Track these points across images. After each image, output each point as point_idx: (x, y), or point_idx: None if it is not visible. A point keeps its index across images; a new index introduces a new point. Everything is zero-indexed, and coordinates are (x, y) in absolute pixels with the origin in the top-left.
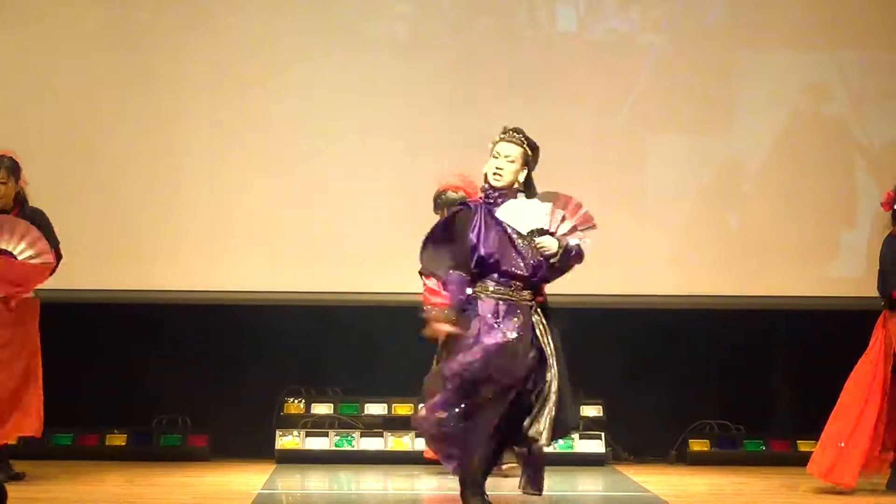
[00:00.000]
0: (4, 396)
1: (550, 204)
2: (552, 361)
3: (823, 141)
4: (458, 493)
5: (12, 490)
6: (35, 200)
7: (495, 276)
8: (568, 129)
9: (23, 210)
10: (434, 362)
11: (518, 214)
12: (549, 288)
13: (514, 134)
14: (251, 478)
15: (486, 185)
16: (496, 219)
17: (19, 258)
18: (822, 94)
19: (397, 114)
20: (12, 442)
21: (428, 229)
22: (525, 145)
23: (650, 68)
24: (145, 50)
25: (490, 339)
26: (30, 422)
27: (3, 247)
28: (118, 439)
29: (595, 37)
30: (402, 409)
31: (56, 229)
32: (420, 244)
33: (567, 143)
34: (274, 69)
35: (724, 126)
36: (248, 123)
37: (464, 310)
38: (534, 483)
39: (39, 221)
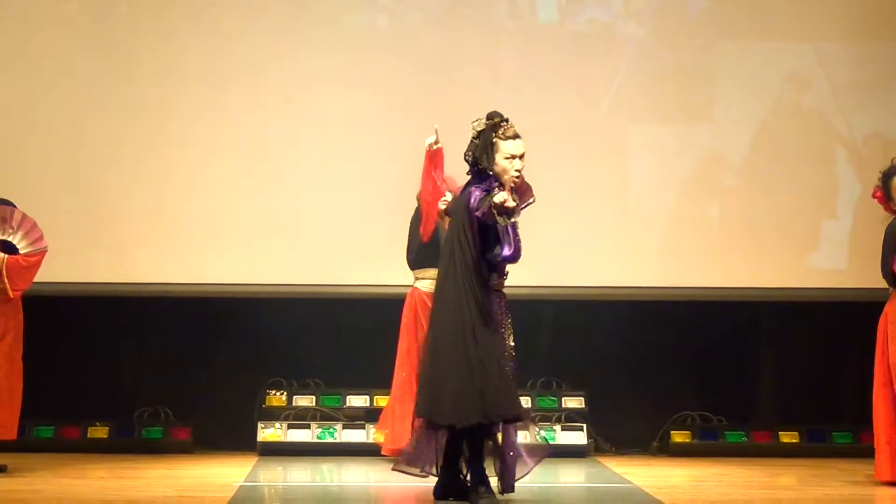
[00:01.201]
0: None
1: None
2: None
3: (805, 132)
4: (435, 485)
5: None
6: (17, 193)
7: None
8: (550, 120)
9: None
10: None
11: None
12: (531, 279)
13: (514, 127)
14: (233, 470)
15: (498, 184)
16: None
17: (21, 250)
18: (803, 85)
19: (378, 106)
20: None
21: (408, 222)
22: None
23: (632, 59)
24: (127, 42)
25: None
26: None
27: (6, 238)
28: (100, 432)
29: (576, 27)
30: (384, 401)
31: (38, 221)
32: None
33: (549, 134)
34: (256, 61)
35: (705, 117)
36: (230, 116)
37: None
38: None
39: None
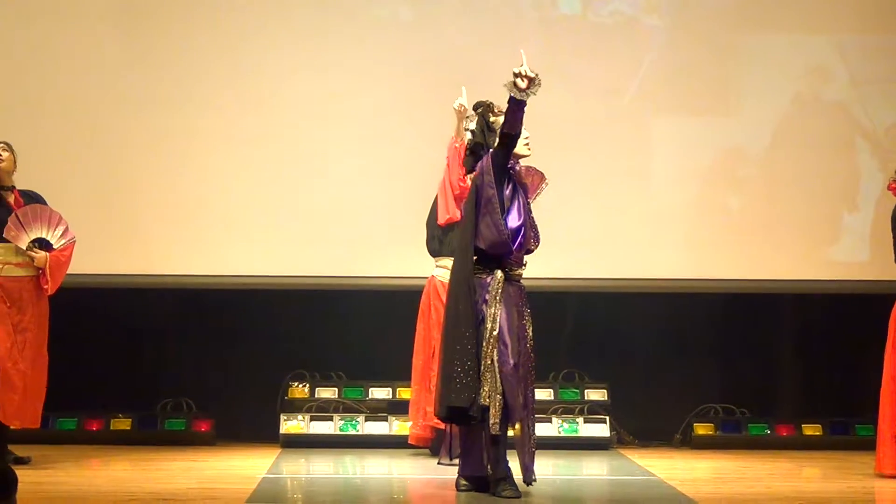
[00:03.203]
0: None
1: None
2: None
3: (826, 124)
4: (457, 476)
5: (18, 475)
6: (39, 185)
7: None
8: (571, 112)
9: (24, 192)
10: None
11: None
12: (553, 271)
13: None
14: (256, 462)
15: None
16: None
17: (55, 245)
18: (824, 77)
19: (399, 97)
20: (15, 427)
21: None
22: None
23: (654, 51)
24: (148, 34)
25: None
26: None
27: (41, 235)
28: (123, 424)
29: (599, 19)
30: (407, 394)
31: (62, 214)
32: None
33: (571, 126)
34: (277, 54)
35: (726, 109)
36: (251, 109)
37: None
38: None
39: (40, 201)
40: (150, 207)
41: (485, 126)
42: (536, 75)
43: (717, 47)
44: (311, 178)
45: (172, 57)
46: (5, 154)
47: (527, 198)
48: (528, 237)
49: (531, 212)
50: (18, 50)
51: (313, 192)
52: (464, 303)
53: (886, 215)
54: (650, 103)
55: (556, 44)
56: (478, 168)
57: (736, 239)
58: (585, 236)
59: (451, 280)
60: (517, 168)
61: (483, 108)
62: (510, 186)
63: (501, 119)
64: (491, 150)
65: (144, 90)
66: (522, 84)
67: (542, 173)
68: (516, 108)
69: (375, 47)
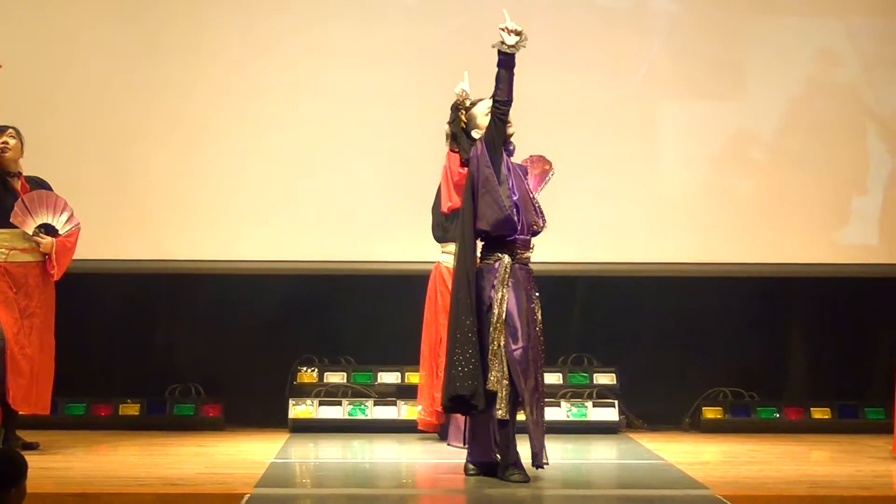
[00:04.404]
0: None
1: None
2: None
3: (835, 107)
4: (465, 461)
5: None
6: (47, 171)
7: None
8: (580, 95)
9: (30, 178)
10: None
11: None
12: (561, 255)
13: None
14: (264, 447)
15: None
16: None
17: (61, 231)
18: (834, 60)
19: (407, 80)
20: (24, 412)
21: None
22: None
23: (664, 34)
24: (156, 19)
25: None
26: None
27: (47, 221)
28: (131, 409)
29: (607, 2)
30: (415, 378)
31: (68, 200)
32: None
33: (579, 109)
34: (283, 37)
35: (736, 93)
36: (258, 93)
37: None
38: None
39: (46, 187)
40: (159, 193)
41: (466, 125)
42: (522, 30)
43: (727, 30)
44: (322, 162)
45: (180, 43)
46: (12, 141)
47: (525, 179)
48: (530, 215)
49: (532, 192)
50: (26, 36)
51: (324, 176)
52: (463, 292)
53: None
54: (659, 87)
55: (565, 27)
56: (472, 155)
57: (744, 222)
58: (594, 220)
59: (454, 269)
60: (512, 148)
61: (454, 109)
62: (505, 167)
63: (480, 106)
64: (482, 135)
65: (151, 77)
66: (510, 39)
67: (549, 161)
68: (507, 65)
69: (381, 30)
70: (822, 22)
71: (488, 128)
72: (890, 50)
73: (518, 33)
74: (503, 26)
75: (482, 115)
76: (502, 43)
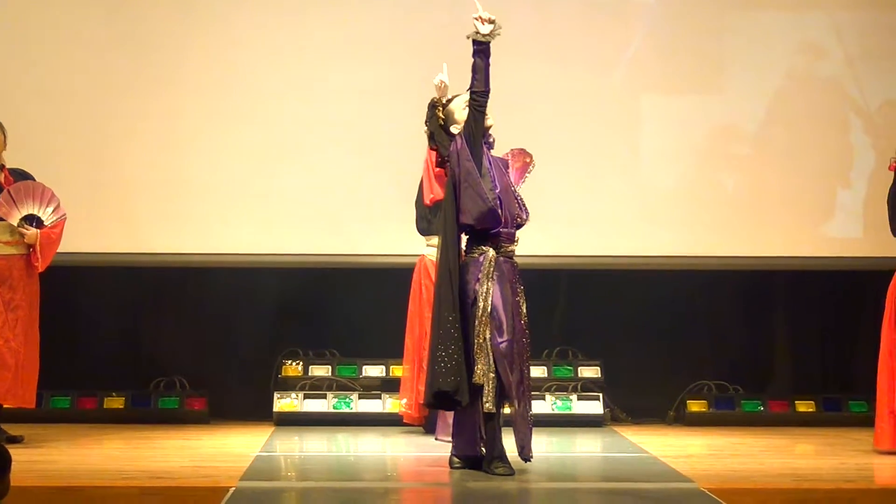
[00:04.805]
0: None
1: None
2: None
3: (819, 101)
4: (450, 455)
5: (11, 453)
6: (28, 163)
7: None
8: (562, 89)
9: (14, 171)
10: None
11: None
12: (545, 248)
13: None
14: (249, 440)
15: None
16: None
17: (46, 222)
18: (818, 53)
19: (391, 75)
20: (7, 405)
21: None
22: None
23: (646, 27)
24: (144, 12)
25: None
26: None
27: (32, 212)
28: (116, 402)
29: None
30: (400, 371)
31: (54, 191)
32: None
33: (561, 103)
34: (274, 31)
35: (719, 86)
36: (247, 87)
37: None
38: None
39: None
40: (142, 186)
41: (444, 121)
42: (495, 19)
43: (710, 23)
44: (303, 156)
45: (157, 36)
46: None
47: (506, 172)
48: (513, 208)
49: (514, 185)
50: (4, 29)
51: (308, 170)
52: (446, 287)
53: (879, 192)
54: (642, 79)
55: (547, 19)
56: (451, 150)
57: (729, 216)
58: (578, 213)
59: (437, 265)
60: (491, 141)
61: (430, 108)
62: (486, 160)
63: (457, 101)
64: (461, 130)
65: (129, 69)
66: (484, 28)
67: (529, 154)
68: (482, 54)
69: (367, 25)
70: (806, 15)
71: (467, 120)
72: (874, 43)
73: (492, 22)
74: (476, 15)
75: (460, 109)
76: (476, 32)
